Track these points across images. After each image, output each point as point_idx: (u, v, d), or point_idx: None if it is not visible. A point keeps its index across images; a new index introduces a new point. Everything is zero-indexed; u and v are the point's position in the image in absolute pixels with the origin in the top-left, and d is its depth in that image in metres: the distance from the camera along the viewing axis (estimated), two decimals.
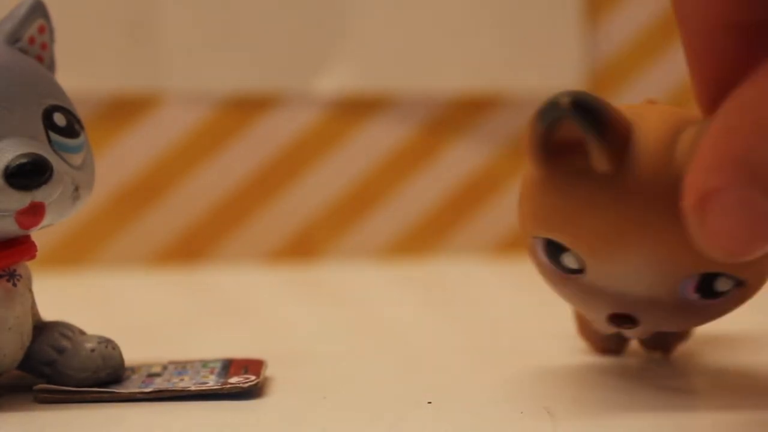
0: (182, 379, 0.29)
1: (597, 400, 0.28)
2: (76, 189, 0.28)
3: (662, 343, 0.33)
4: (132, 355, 0.30)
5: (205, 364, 0.30)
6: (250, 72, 0.60)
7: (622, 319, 0.27)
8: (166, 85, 0.58)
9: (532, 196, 0.28)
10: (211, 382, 0.28)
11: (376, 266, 0.59)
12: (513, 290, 0.54)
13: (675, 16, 0.26)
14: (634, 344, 0.33)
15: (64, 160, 0.28)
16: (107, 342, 0.29)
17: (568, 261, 0.27)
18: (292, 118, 0.60)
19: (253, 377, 0.28)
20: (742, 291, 0.27)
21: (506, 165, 0.63)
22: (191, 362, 0.31)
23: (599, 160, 0.26)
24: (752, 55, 0.24)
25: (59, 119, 0.28)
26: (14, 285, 0.27)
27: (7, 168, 0.26)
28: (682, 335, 0.33)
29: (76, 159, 0.28)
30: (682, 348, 0.33)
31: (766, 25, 0.24)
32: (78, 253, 0.58)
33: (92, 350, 0.28)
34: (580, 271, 0.27)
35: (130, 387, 0.28)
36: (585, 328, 0.34)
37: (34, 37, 0.29)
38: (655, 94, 0.42)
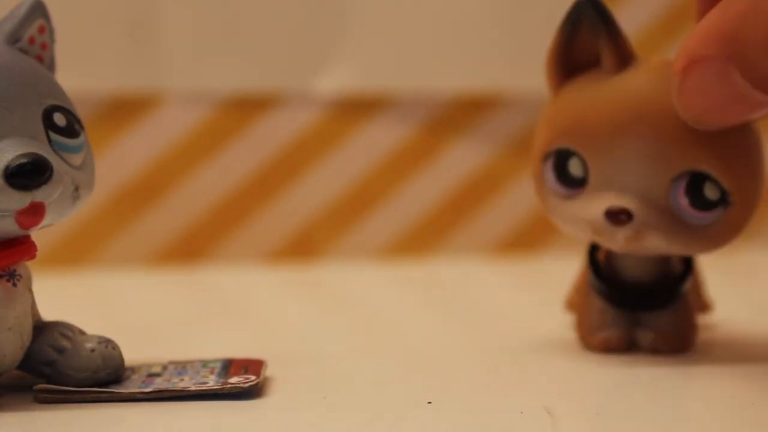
0: (182, 379, 0.29)
1: (597, 400, 0.28)
2: (76, 189, 0.28)
3: (662, 343, 0.33)
4: (132, 355, 0.30)
5: (205, 364, 0.30)
6: (250, 72, 0.60)
7: (619, 211, 0.30)
8: (166, 85, 0.58)
9: (546, 115, 0.32)
10: (211, 382, 0.28)
11: (376, 266, 0.59)
12: (513, 290, 0.54)
13: None
14: (633, 344, 0.33)
15: (64, 160, 0.28)
16: (107, 342, 0.29)
17: (574, 168, 0.31)
18: (292, 118, 0.60)
19: (253, 377, 0.28)
20: (730, 213, 0.30)
21: (506, 165, 0.63)
22: (191, 362, 0.31)
23: (608, 58, 0.31)
24: None
25: (59, 119, 0.28)
26: (14, 285, 0.27)
27: (7, 168, 0.26)
28: (681, 334, 0.33)
29: (76, 159, 0.28)
30: (683, 350, 0.33)
31: None
32: (78, 253, 0.58)
33: (92, 350, 0.28)
34: (582, 180, 0.31)
35: (130, 387, 0.28)
36: (585, 327, 0.34)
37: (34, 37, 0.29)
38: None
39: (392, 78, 0.61)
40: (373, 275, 0.57)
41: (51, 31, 0.30)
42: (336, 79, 0.60)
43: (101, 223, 0.58)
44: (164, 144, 0.59)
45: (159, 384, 0.28)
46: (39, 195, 0.26)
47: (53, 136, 0.28)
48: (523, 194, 0.61)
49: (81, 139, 0.28)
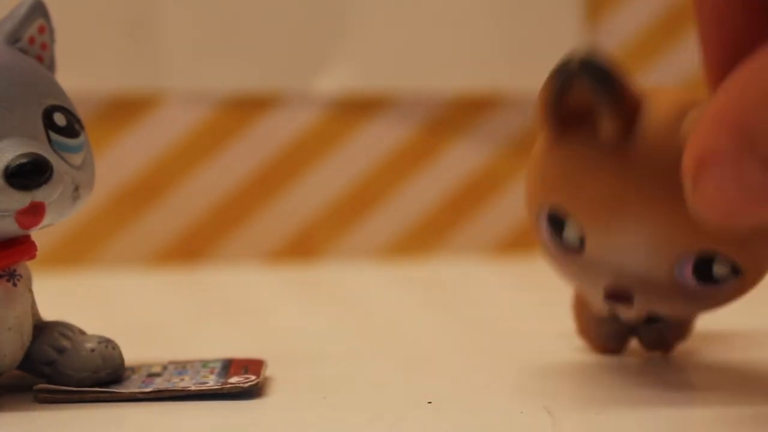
0: (182, 379, 0.29)
1: (597, 399, 0.28)
2: (76, 189, 0.28)
3: (661, 343, 0.33)
4: (132, 355, 0.30)
5: (205, 364, 0.30)
6: (250, 72, 0.60)
7: (618, 294, 0.27)
8: (166, 85, 0.58)
9: (540, 164, 0.29)
10: (211, 382, 0.28)
11: (376, 266, 0.59)
12: (513, 290, 0.54)
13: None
14: (633, 344, 0.33)
15: (64, 160, 0.28)
16: (107, 342, 0.29)
17: (570, 233, 0.28)
18: (292, 118, 0.60)
19: (253, 377, 0.28)
20: (740, 281, 0.28)
21: (506, 165, 0.63)
22: (191, 362, 0.31)
23: (607, 127, 0.26)
24: (763, 34, 0.24)
25: (59, 119, 0.28)
26: (14, 285, 0.27)
27: (7, 168, 0.26)
28: (681, 334, 0.33)
29: (76, 159, 0.28)
30: (681, 347, 0.33)
31: None
32: (78, 253, 0.58)
33: (92, 350, 0.28)
34: (580, 245, 0.28)
35: (130, 387, 0.28)
36: (585, 327, 0.34)
37: (34, 37, 0.29)
38: None
39: (392, 78, 0.61)
40: (373, 275, 0.57)
41: (51, 31, 0.30)
42: (336, 79, 0.60)
43: (101, 223, 0.58)
44: (164, 144, 0.59)
45: (159, 384, 0.28)
46: (39, 195, 0.26)
47: (53, 136, 0.28)
48: (523, 194, 0.61)
49: (81, 139, 0.28)
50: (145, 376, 0.29)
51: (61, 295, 0.46)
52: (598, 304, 0.29)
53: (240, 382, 0.28)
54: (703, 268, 0.27)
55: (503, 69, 0.62)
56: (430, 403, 0.27)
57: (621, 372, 0.31)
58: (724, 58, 0.25)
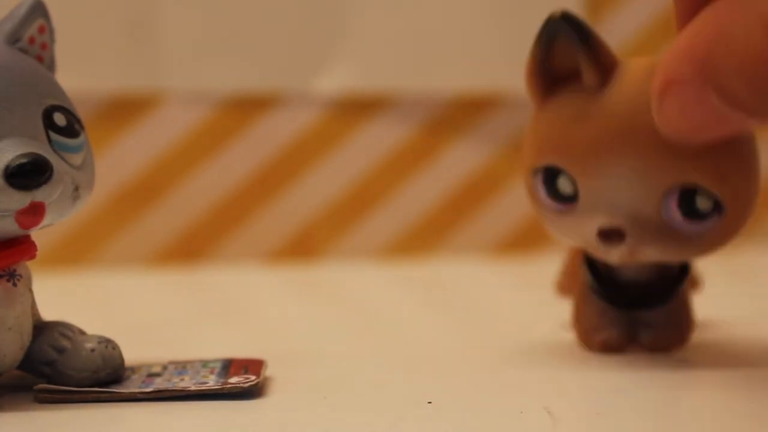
0: (182, 379, 0.29)
1: (597, 400, 0.28)
2: (76, 189, 0.28)
3: (661, 343, 0.33)
4: (132, 355, 0.30)
5: (205, 364, 0.30)
6: (250, 72, 0.60)
7: (611, 232, 0.30)
8: (166, 85, 0.58)
9: (532, 129, 0.32)
10: (211, 382, 0.28)
11: (376, 266, 0.59)
12: (513, 290, 0.54)
13: None
14: (632, 343, 0.33)
15: (64, 160, 0.28)
16: (107, 342, 0.29)
17: (563, 186, 0.31)
18: (292, 118, 0.60)
19: (253, 377, 0.28)
20: (723, 221, 0.30)
21: (506, 165, 0.63)
22: (191, 362, 0.31)
23: (588, 75, 0.30)
24: None
25: (59, 119, 0.28)
26: (14, 285, 0.27)
27: (7, 168, 0.26)
28: (681, 334, 0.33)
29: (76, 159, 0.28)
30: (681, 347, 0.33)
31: None
32: (78, 253, 0.58)
33: (92, 350, 0.28)
34: (573, 197, 0.30)
35: (130, 387, 0.28)
36: (585, 327, 0.34)
37: (34, 37, 0.29)
38: None
39: (392, 78, 0.61)
40: (373, 275, 0.57)
41: (51, 31, 0.30)
42: (336, 79, 0.60)
43: (101, 223, 0.58)
44: (164, 144, 0.59)
45: (159, 384, 0.28)
46: (39, 195, 0.26)
47: (53, 135, 0.28)
48: (522, 194, 0.61)
49: (81, 139, 0.28)
50: (145, 376, 0.29)
51: (61, 295, 0.46)
52: (593, 246, 0.31)
53: (240, 382, 0.28)
54: (687, 201, 0.29)
55: (503, 69, 0.62)
56: (430, 403, 0.27)
57: (621, 372, 0.31)
58: (693, 6, 0.27)
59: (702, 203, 0.29)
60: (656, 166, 0.29)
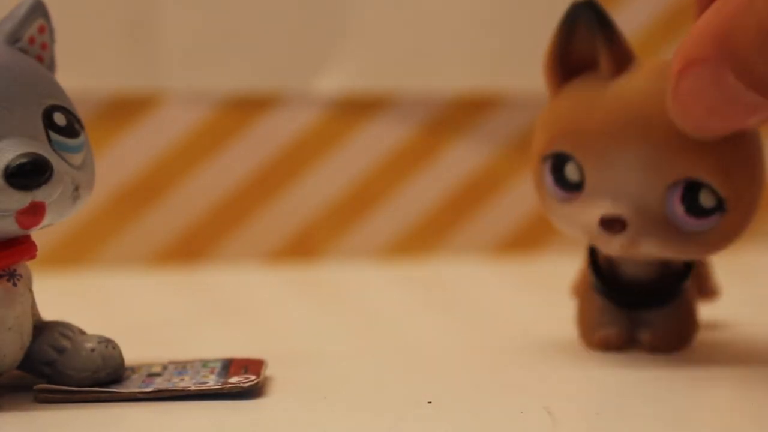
0: (182, 379, 0.29)
1: (597, 400, 0.28)
2: (76, 189, 0.28)
3: (662, 343, 0.33)
4: (132, 355, 0.30)
5: (205, 364, 0.30)
6: (250, 72, 0.60)
7: (612, 220, 0.30)
8: (166, 85, 0.58)
9: (543, 118, 0.32)
10: (211, 382, 0.28)
11: (376, 266, 0.59)
12: (513, 290, 0.54)
13: None
14: (633, 342, 0.33)
15: (64, 160, 0.28)
16: (107, 342, 0.29)
17: (570, 173, 0.31)
18: (292, 118, 0.60)
19: (253, 377, 0.28)
20: (726, 221, 0.30)
21: (506, 165, 0.63)
22: (191, 362, 0.31)
23: (605, 61, 0.30)
24: None
25: (59, 119, 0.28)
26: (14, 285, 0.27)
27: (7, 168, 0.26)
28: (681, 334, 0.33)
29: (76, 159, 0.28)
30: (682, 349, 0.33)
31: None
32: (78, 253, 0.58)
33: (92, 350, 0.28)
34: (579, 185, 0.31)
35: (130, 387, 0.28)
36: (586, 327, 0.34)
37: (34, 37, 0.29)
38: None
39: (392, 78, 0.61)
40: (373, 275, 0.57)
41: (51, 31, 0.30)
42: (336, 79, 0.60)
43: (101, 223, 0.58)
44: (164, 144, 0.59)
45: (159, 384, 0.28)
46: (39, 195, 0.26)
47: (53, 135, 0.28)
48: (523, 194, 0.61)
49: (81, 139, 0.28)
50: (145, 376, 0.29)
51: (61, 295, 0.46)
52: (594, 239, 0.31)
53: (240, 382, 0.28)
54: (690, 196, 0.29)
55: (503, 69, 0.62)
56: (430, 403, 0.27)
57: (621, 372, 0.31)
58: None
59: (705, 200, 0.29)
60: (664, 158, 0.29)
